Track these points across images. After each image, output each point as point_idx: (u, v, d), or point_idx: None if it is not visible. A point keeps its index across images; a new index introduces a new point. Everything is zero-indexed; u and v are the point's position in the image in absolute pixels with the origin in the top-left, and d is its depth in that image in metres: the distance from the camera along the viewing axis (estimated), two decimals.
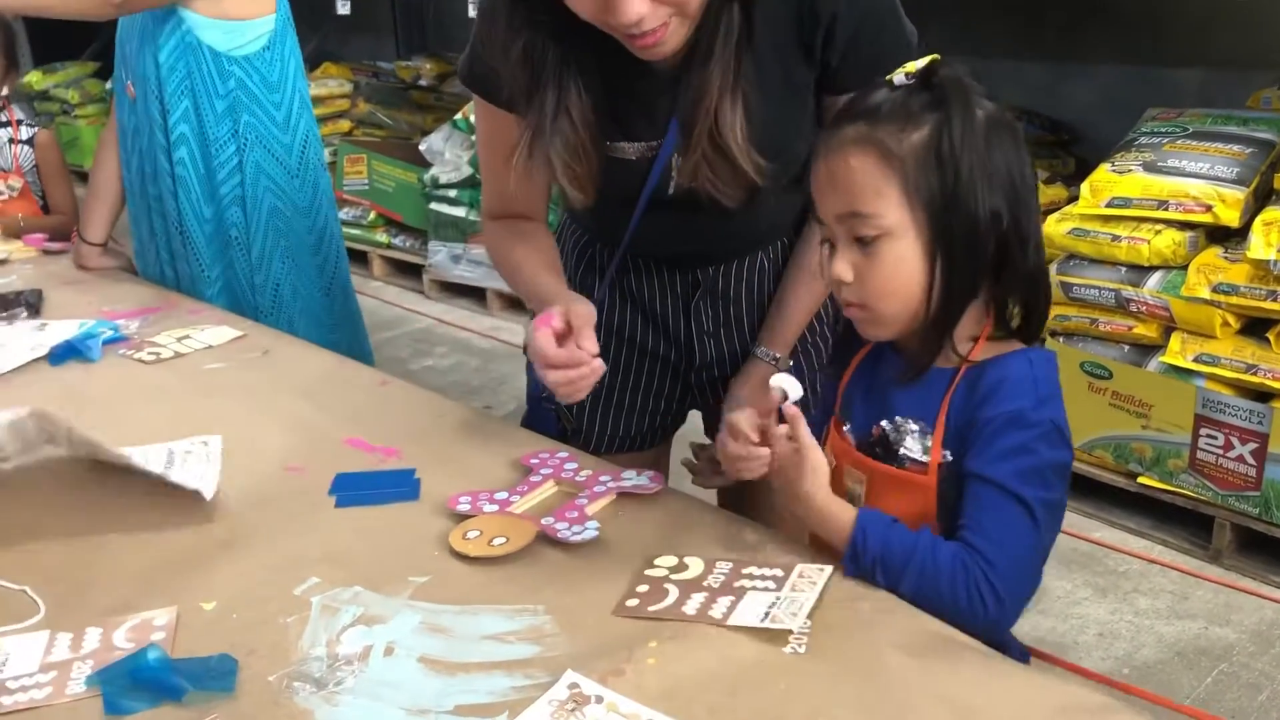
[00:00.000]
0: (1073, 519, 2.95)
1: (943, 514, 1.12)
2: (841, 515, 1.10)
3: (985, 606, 1.04)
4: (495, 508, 1.25)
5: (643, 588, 1.09)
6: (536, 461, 1.36)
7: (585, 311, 1.28)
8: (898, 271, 1.10)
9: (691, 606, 1.05)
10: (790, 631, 1.01)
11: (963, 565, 1.04)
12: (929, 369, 1.14)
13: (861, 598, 1.07)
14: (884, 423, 1.16)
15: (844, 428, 1.22)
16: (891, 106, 1.09)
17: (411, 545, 1.20)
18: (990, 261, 1.10)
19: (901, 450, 1.14)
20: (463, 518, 1.25)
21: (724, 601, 1.05)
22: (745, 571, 1.10)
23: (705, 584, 1.08)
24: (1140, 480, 2.83)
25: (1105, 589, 2.67)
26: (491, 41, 1.30)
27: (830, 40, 1.28)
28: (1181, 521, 2.84)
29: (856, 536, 1.08)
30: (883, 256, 1.10)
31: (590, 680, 0.96)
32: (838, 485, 1.17)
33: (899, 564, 1.06)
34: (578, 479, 1.31)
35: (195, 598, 1.12)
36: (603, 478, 1.30)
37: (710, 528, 1.22)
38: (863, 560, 1.08)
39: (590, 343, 1.26)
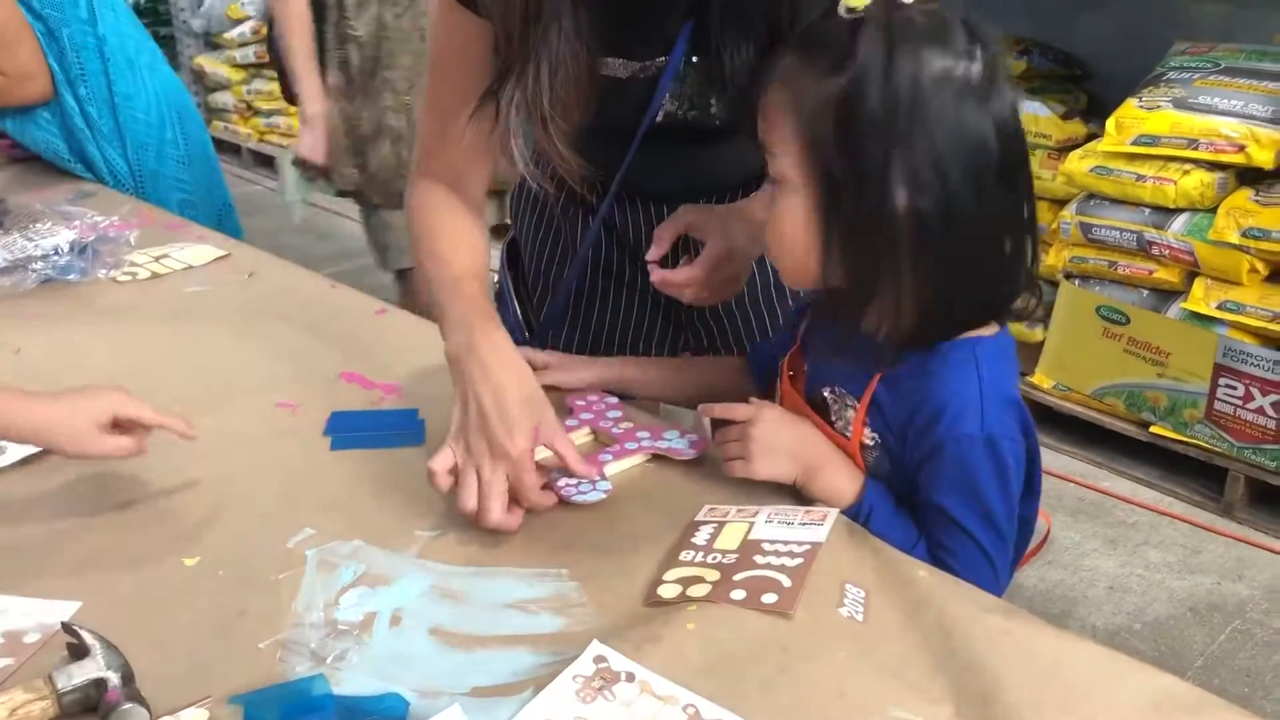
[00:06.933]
0: (1081, 467, 2.87)
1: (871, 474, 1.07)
2: (845, 479, 1.05)
3: None
4: None
5: (675, 573, 0.96)
6: (581, 404, 1.23)
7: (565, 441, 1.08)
8: (785, 228, 0.98)
9: (738, 594, 0.92)
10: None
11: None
12: (847, 349, 1.02)
13: (919, 566, 0.98)
14: (827, 391, 1.08)
15: (793, 375, 1.14)
16: (827, 40, 0.92)
17: (416, 494, 1.09)
18: (908, 256, 0.92)
19: (839, 424, 1.08)
20: None
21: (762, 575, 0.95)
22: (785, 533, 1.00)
23: (753, 559, 0.96)
24: (1153, 430, 2.75)
25: (1115, 540, 2.60)
26: None
27: None
28: (1193, 473, 2.76)
29: (862, 512, 1.04)
30: (779, 204, 0.98)
31: (619, 654, 0.85)
32: None
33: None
34: (615, 430, 1.18)
35: (175, 552, 1.00)
36: (640, 434, 1.16)
37: (752, 485, 1.09)
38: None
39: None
